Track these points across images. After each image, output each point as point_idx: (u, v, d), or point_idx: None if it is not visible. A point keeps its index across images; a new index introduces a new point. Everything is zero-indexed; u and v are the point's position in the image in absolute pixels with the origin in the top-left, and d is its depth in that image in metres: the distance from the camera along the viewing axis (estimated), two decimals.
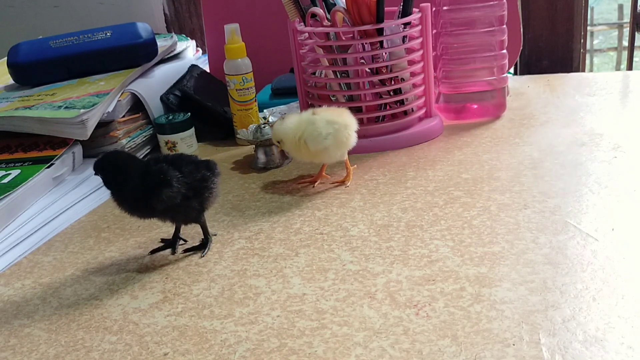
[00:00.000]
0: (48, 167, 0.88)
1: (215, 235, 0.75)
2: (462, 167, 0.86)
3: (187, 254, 0.73)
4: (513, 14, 1.12)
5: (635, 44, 1.43)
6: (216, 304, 0.62)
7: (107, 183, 0.69)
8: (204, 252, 0.72)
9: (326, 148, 0.81)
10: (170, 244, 0.74)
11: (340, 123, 0.81)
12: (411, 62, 0.96)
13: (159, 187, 0.67)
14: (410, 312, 0.57)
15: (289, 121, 0.83)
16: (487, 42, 0.99)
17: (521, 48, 1.21)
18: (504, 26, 0.99)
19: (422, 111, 0.99)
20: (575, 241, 0.65)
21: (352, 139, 0.83)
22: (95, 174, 0.69)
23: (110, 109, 0.97)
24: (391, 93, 0.97)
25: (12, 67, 1.10)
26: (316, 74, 0.98)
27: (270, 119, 0.99)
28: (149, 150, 1.06)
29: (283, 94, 1.13)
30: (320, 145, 0.81)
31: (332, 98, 0.98)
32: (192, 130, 1.02)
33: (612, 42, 6.18)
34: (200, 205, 0.71)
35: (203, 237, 0.74)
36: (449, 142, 0.95)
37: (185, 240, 0.75)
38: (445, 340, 0.53)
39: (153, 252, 0.74)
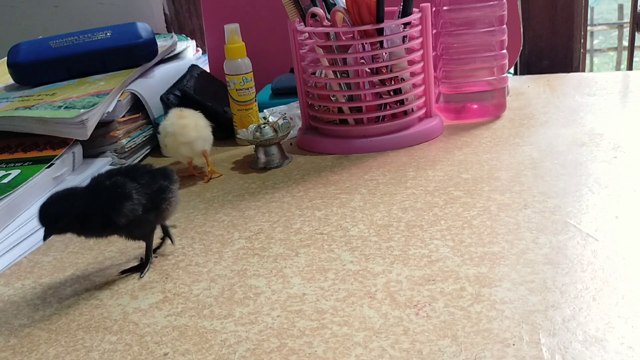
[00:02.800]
0: (48, 167, 0.88)
1: (156, 257, 0.72)
2: (462, 167, 0.86)
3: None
4: (513, 14, 1.12)
5: (635, 44, 1.43)
6: (216, 304, 0.62)
7: (64, 229, 0.65)
8: (142, 273, 0.69)
9: (166, 146, 0.92)
10: (142, 264, 0.70)
11: (177, 124, 0.90)
12: (411, 62, 0.96)
13: (119, 200, 0.64)
14: (410, 312, 0.57)
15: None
16: (487, 42, 0.99)
17: (521, 48, 1.21)
18: (504, 26, 0.99)
19: (422, 111, 0.99)
20: (575, 241, 0.65)
21: (189, 141, 0.91)
22: (51, 232, 0.65)
23: (110, 109, 0.97)
24: (391, 93, 0.97)
25: (12, 67, 1.10)
26: (316, 74, 0.98)
27: (270, 119, 0.99)
28: (148, 150, 1.06)
29: (283, 94, 1.13)
30: (161, 144, 0.94)
31: (332, 98, 0.98)
32: None
33: (612, 42, 6.18)
34: (156, 218, 0.68)
35: (144, 255, 0.70)
36: (449, 142, 0.95)
37: (155, 256, 0.72)
38: (445, 340, 0.53)
39: (124, 272, 0.70)
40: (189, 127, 0.91)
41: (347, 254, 0.68)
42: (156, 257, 0.72)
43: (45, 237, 0.64)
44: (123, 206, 0.64)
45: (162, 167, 0.70)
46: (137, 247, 0.75)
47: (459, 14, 0.98)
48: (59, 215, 0.64)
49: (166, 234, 0.74)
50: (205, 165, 0.95)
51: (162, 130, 0.93)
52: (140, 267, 0.70)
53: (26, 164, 0.89)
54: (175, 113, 0.93)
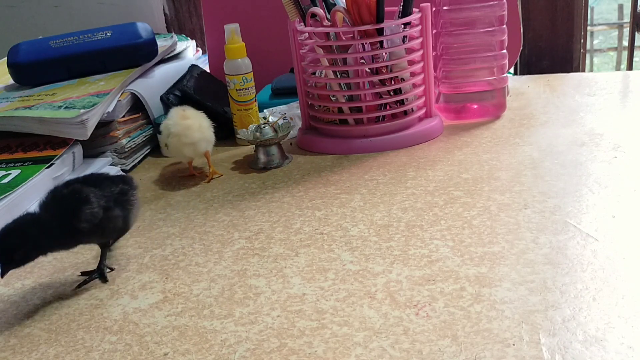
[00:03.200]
0: (48, 167, 0.88)
1: (110, 270, 0.70)
2: (462, 167, 0.86)
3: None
4: (513, 14, 1.12)
5: (635, 44, 1.43)
6: (216, 304, 0.62)
7: (26, 258, 0.63)
8: (92, 276, 0.68)
9: (167, 146, 0.93)
10: (99, 274, 0.69)
11: (181, 125, 0.90)
12: (411, 62, 0.96)
13: (78, 206, 0.63)
14: (410, 312, 0.57)
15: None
16: (487, 42, 0.99)
17: (521, 48, 1.21)
18: (504, 26, 0.99)
19: (422, 111, 0.99)
20: (575, 241, 0.65)
21: (193, 142, 0.91)
22: (9, 267, 0.62)
23: (110, 109, 0.97)
24: (391, 93, 0.97)
25: (12, 67, 1.09)
26: (316, 74, 0.98)
27: (270, 119, 0.99)
28: (148, 150, 1.06)
29: (283, 94, 1.13)
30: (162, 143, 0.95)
31: (332, 98, 0.98)
32: None
33: (612, 42, 6.18)
34: (123, 213, 0.67)
35: (97, 265, 0.69)
36: (449, 142, 0.95)
37: (112, 268, 0.71)
38: (445, 340, 0.53)
39: (80, 286, 0.68)
40: (193, 128, 0.91)
41: (347, 254, 0.68)
42: (110, 269, 0.70)
43: (2, 274, 0.61)
44: (82, 211, 0.63)
45: (122, 174, 0.69)
46: (137, 247, 0.75)
47: (459, 14, 0.98)
48: (14, 247, 0.61)
49: (100, 270, 0.70)
50: (205, 165, 0.95)
51: (165, 130, 0.92)
52: (100, 276, 0.68)
53: (26, 164, 0.89)
54: (178, 113, 0.92)
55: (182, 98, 1.09)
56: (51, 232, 0.63)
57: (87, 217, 0.64)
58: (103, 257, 0.70)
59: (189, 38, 1.35)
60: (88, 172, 0.92)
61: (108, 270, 0.70)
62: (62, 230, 0.64)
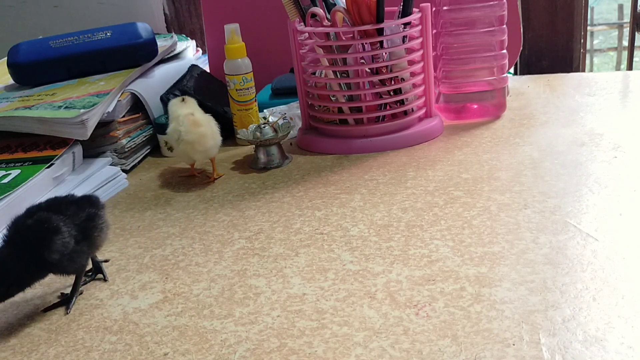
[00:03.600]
0: (48, 167, 0.88)
1: (81, 293, 0.67)
2: (462, 167, 0.86)
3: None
4: (513, 14, 1.12)
5: (635, 44, 1.43)
6: (216, 304, 0.62)
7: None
8: (69, 307, 0.64)
9: (171, 149, 0.94)
10: (66, 300, 0.65)
11: (195, 133, 0.89)
12: (411, 62, 0.96)
13: (48, 236, 0.60)
14: (410, 312, 0.57)
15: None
16: (487, 42, 0.99)
17: (521, 48, 1.21)
18: (504, 26, 0.99)
19: (422, 111, 0.99)
20: (575, 241, 0.65)
21: (205, 149, 0.91)
22: None
23: (110, 109, 0.97)
24: (391, 93, 0.97)
25: (12, 67, 1.09)
26: (316, 74, 0.98)
27: (270, 119, 0.99)
28: (148, 150, 1.06)
29: (283, 94, 1.13)
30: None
31: (332, 98, 0.98)
32: None
33: (612, 42, 6.18)
34: (89, 248, 0.64)
35: (71, 290, 0.65)
36: (449, 142, 0.95)
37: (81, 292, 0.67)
38: (445, 340, 0.53)
39: (46, 310, 0.64)
40: (207, 136, 0.90)
41: (347, 254, 0.68)
42: (81, 293, 0.67)
43: None
44: (53, 241, 0.60)
45: (86, 195, 0.67)
46: (137, 247, 0.75)
47: (459, 14, 0.98)
48: None
49: (98, 268, 0.69)
50: (206, 166, 0.95)
51: (173, 133, 0.90)
52: (66, 302, 0.65)
53: (26, 164, 0.89)
54: (188, 119, 0.90)
55: None
56: (22, 270, 0.60)
57: (58, 247, 0.60)
58: (77, 284, 0.66)
59: (189, 38, 1.35)
60: (88, 172, 0.92)
61: (81, 292, 0.66)
62: (32, 264, 0.60)
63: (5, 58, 1.11)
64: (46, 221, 0.61)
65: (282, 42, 1.05)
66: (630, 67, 1.41)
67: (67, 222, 0.62)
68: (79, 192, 0.87)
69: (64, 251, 0.61)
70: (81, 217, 0.63)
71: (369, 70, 0.95)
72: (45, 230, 0.60)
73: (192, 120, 0.90)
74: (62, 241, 0.60)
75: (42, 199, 0.85)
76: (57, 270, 0.63)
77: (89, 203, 0.65)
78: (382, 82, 0.95)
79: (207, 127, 0.91)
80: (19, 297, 0.67)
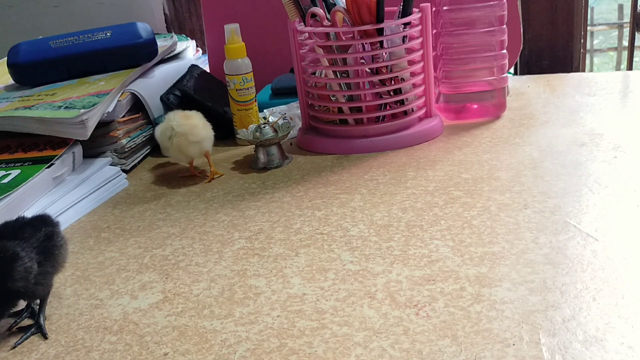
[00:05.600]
0: (48, 167, 0.88)
1: (46, 319, 0.62)
2: (462, 167, 0.86)
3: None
4: (513, 14, 1.12)
5: (635, 44, 1.43)
6: (216, 304, 0.62)
7: None
8: (44, 332, 0.60)
9: (167, 148, 0.93)
10: (37, 328, 0.61)
11: (187, 125, 0.91)
12: (411, 62, 0.96)
13: (8, 265, 0.56)
14: (410, 312, 0.57)
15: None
16: (487, 42, 0.99)
17: (521, 48, 1.21)
18: (504, 26, 0.99)
19: (422, 111, 0.99)
20: (575, 241, 0.65)
21: (199, 140, 0.92)
22: None
23: (110, 109, 0.97)
24: (391, 93, 0.97)
25: (12, 67, 1.09)
26: (316, 74, 0.98)
27: (270, 119, 0.99)
28: (148, 150, 1.06)
29: (283, 94, 1.13)
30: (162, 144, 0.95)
31: (332, 98, 0.98)
32: None
33: (612, 42, 6.19)
34: (53, 267, 0.61)
35: (37, 314, 0.62)
36: (449, 142, 0.95)
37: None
38: (445, 340, 0.53)
39: (16, 345, 0.59)
40: (199, 126, 0.92)
41: (347, 254, 0.68)
42: (46, 319, 0.62)
43: None
44: (14, 270, 0.56)
45: (38, 214, 0.64)
46: (137, 247, 0.75)
47: (459, 14, 0.98)
48: None
49: (37, 322, 0.62)
50: (205, 166, 0.95)
51: (166, 131, 0.92)
52: (38, 329, 0.61)
53: (26, 164, 0.89)
54: (179, 114, 0.93)
55: (182, 98, 1.09)
56: None
57: (21, 274, 0.57)
58: (42, 308, 0.62)
59: (189, 38, 1.35)
60: (88, 172, 0.92)
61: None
62: None
63: (5, 58, 1.11)
64: (2, 250, 0.57)
65: (282, 42, 1.05)
66: (630, 67, 1.41)
67: (24, 246, 0.58)
68: (78, 193, 0.89)
69: (27, 277, 0.58)
70: (39, 237, 0.61)
71: (369, 70, 0.95)
72: (2, 260, 0.57)
73: (182, 114, 0.93)
74: (24, 267, 0.57)
75: (43, 199, 0.86)
76: (25, 296, 0.60)
77: (43, 222, 0.63)
78: (382, 82, 0.95)
79: (199, 119, 0.93)
80: None
